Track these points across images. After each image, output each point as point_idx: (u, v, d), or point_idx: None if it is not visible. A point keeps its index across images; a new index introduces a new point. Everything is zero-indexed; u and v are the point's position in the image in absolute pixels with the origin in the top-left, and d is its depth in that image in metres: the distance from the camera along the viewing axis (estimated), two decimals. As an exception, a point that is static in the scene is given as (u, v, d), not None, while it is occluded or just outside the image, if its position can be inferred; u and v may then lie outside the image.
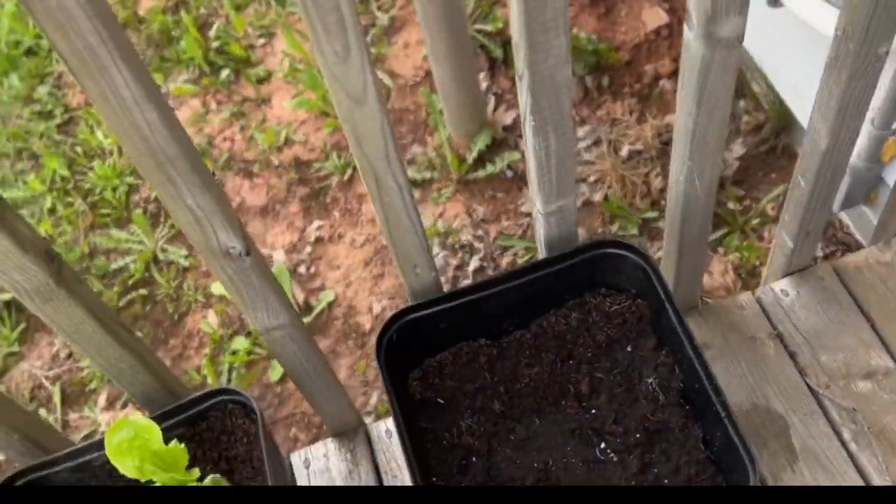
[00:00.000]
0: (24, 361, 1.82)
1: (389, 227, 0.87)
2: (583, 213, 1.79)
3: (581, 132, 1.87)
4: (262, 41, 2.11)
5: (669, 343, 0.99)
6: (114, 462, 0.85)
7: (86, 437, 1.70)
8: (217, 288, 1.78)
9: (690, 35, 0.80)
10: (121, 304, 1.83)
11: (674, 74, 1.91)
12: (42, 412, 1.74)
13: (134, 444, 0.85)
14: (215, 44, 2.13)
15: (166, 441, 0.86)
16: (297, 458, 1.18)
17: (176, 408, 0.95)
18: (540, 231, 0.99)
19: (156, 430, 0.84)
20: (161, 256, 1.86)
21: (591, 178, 1.83)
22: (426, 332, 1.01)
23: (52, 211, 1.99)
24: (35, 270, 0.74)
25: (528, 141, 0.85)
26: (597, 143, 1.85)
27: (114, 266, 1.87)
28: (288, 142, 1.96)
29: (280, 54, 2.06)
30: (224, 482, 0.92)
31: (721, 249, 1.71)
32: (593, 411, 1.01)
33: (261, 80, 2.06)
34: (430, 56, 1.68)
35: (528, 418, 1.01)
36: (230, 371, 1.69)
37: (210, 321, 1.75)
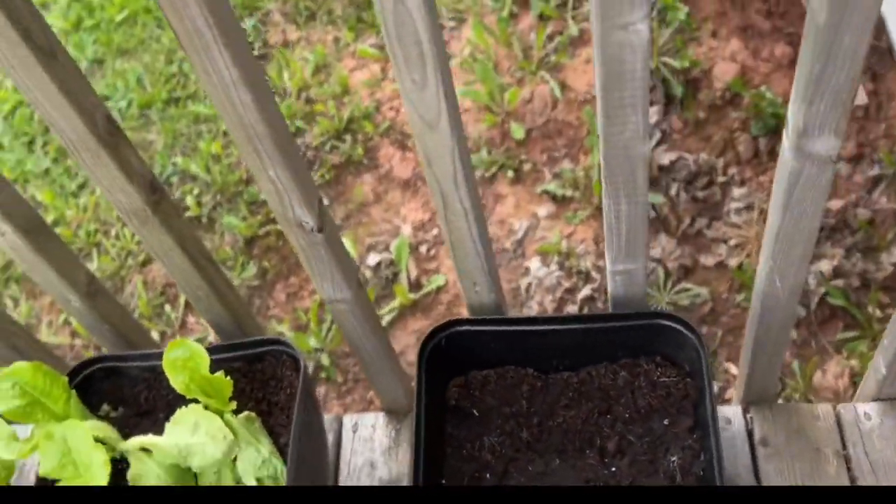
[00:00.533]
0: (165, 259, 2.06)
1: (453, 245, 0.95)
2: (714, 273, 1.78)
3: (736, 192, 1.84)
4: (451, 24, 2.22)
5: (702, 429, 1.00)
6: (168, 375, 1.00)
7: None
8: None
9: (785, 143, 0.81)
10: (259, 232, 2.03)
11: (853, 160, 1.83)
12: (167, 308, 1.98)
13: (187, 363, 0.99)
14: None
15: (216, 369, 1.00)
16: (348, 420, 1.30)
17: (239, 343, 1.09)
18: (608, 286, 1.03)
19: (205, 358, 0.97)
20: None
21: (732, 242, 1.80)
22: (476, 347, 1.08)
23: (226, 133, 2.22)
24: (136, 196, 0.88)
25: (603, 200, 0.89)
26: (748, 207, 1.82)
27: (262, 197, 2.07)
28: (446, 126, 2.07)
29: (464, 41, 2.17)
30: (256, 420, 1.04)
31: (845, 352, 1.65)
32: (612, 469, 1.04)
33: (439, 61, 2.18)
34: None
35: (550, 456, 1.06)
36: (332, 323, 1.84)
37: (327, 272, 1.90)
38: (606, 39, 0.70)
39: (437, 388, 1.07)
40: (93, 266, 2.07)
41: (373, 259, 1.91)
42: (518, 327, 1.06)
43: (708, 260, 1.77)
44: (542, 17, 2.15)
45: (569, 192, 1.88)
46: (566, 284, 1.76)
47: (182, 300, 1.98)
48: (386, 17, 0.69)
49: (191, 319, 1.96)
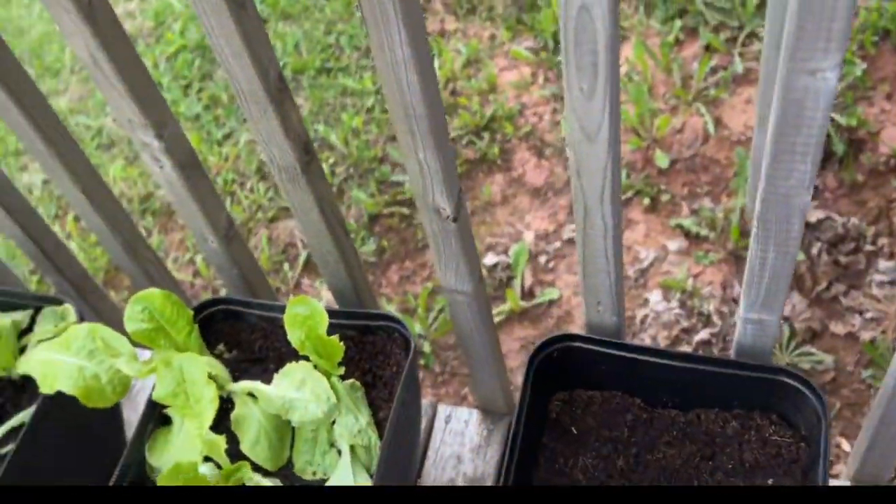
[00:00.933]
0: (291, 220, 2.15)
1: (584, 259, 0.96)
2: (843, 342, 1.72)
3: (882, 265, 1.77)
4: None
5: (806, 500, 0.97)
6: (287, 328, 1.05)
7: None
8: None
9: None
10: (383, 211, 2.09)
11: None
12: (285, 266, 2.06)
13: (306, 321, 1.04)
14: (572, 26, 2.27)
15: (331, 333, 1.04)
16: (442, 410, 1.33)
17: (356, 313, 1.13)
18: (736, 332, 1.01)
19: (324, 318, 1.02)
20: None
21: (869, 314, 1.73)
22: (587, 365, 1.09)
23: (370, 110, 2.29)
24: (289, 154, 0.93)
25: (750, 244, 0.88)
26: (893, 283, 1.74)
27: (392, 178, 2.12)
28: (589, 141, 2.07)
29: (623, 59, 2.16)
30: (360, 390, 1.08)
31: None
32: (702, 520, 1.02)
33: (594, 75, 2.18)
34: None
35: (639, 491, 1.06)
36: (440, 312, 1.87)
37: (443, 263, 1.94)
38: (791, 82, 0.70)
39: (540, 398, 1.08)
40: (223, 214, 2.18)
41: (490, 259, 1.93)
42: (634, 355, 1.05)
43: (838, 328, 1.71)
44: (709, 49, 2.12)
45: (704, 231, 1.85)
46: (684, 324, 1.73)
47: (301, 261, 2.06)
48: (567, 22, 0.71)
49: (305, 281, 2.04)
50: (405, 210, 2.06)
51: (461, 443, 1.28)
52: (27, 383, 1.17)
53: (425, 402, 1.33)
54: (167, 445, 1.07)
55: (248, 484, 1.02)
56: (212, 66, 2.58)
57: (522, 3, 2.41)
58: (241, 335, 1.17)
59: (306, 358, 1.06)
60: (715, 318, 1.75)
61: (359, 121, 2.25)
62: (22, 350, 1.18)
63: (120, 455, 1.27)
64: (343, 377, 1.07)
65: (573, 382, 1.11)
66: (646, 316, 1.76)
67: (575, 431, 1.10)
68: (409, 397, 1.06)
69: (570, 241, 1.94)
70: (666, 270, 1.83)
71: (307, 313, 1.03)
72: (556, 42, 2.27)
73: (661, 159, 1.98)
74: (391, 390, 1.08)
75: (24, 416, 1.15)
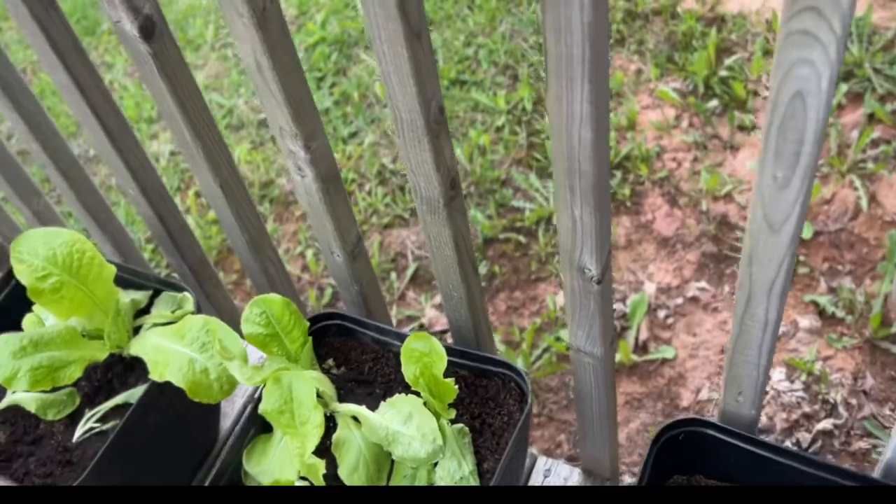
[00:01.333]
0: (405, 229, 2.14)
1: (734, 347, 0.90)
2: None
3: None
4: (766, 94, 2.12)
5: None
6: (402, 360, 1.03)
7: (407, 318, 1.98)
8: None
9: None
10: (499, 236, 2.06)
11: None
12: (393, 276, 2.06)
13: (422, 357, 1.01)
14: (723, 72, 2.19)
15: (448, 374, 1.02)
16: (542, 463, 1.29)
17: (473, 354, 1.10)
18: (888, 448, 0.94)
19: (442, 359, 0.99)
20: (554, 220, 2.04)
21: None
22: (714, 454, 1.03)
23: (500, 129, 2.26)
24: (436, 187, 0.91)
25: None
26: None
27: (513, 203, 2.09)
28: (727, 197, 1.99)
29: (779, 116, 2.07)
30: (467, 436, 1.05)
31: None
32: None
33: (742, 128, 2.09)
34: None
35: None
36: (544, 351, 1.83)
37: (558, 300, 1.90)
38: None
39: (658, 477, 1.02)
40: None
41: (605, 304, 1.88)
42: (771, 455, 0.99)
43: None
44: (872, 118, 2.01)
45: (840, 313, 1.75)
46: (806, 409, 1.64)
47: (409, 273, 2.05)
48: (776, 107, 0.66)
49: (410, 294, 2.03)
50: (522, 238, 2.03)
51: (555, 501, 1.24)
52: (137, 363, 1.19)
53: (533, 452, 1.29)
54: (265, 455, 1.06)
55: (339, 512, 1.01)
56: (347, 61, 2.61)
57: (676, 41, 2.34)
58: (352, 353, 1.17)
59: (416, 393, 1.04)
60: (841, 409, 1.65)
61: (486, 139, 2.23)
62: (136, 330, 1.20)
63: (212, 446, 1.29)
64: (452, 420, 1.04)
65: (694, 467, 1.05)
66: (765, 393, 1.68)
67: (685, 519, 1.04)
68: (518, 453, 1.02)
69: (694, 300, 1.87)
70: (793, 348, 1.74)
71: (425, 350, 1.00)
72: (707, 87, 2.20)
73: (806, 229, 1.88)
74: (499, 441, 1.05)
75: (128, 395, 1.17)
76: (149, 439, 1.14)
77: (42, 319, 1.18)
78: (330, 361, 1.17)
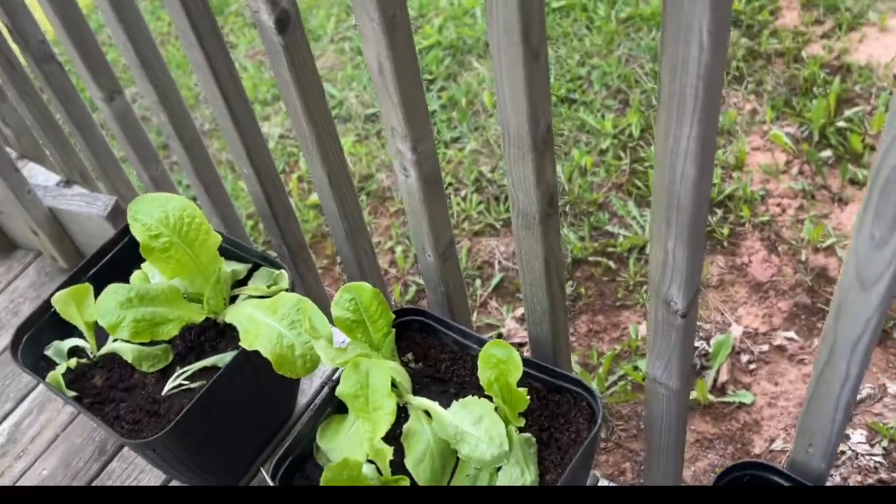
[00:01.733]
0: (494, 238, 2.19)
1: (811, 398, 0.92)
2: None
3: None
4: (888, 150, 2.09)
5: None
6: (480, 365, 1.08)
7: (486, 326, 2.03)
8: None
9: None
10: (589, 258, 2.09)
11: None
12: (477, 282, 2.11)
13: (499, 364, 1.06)
14: (841, 123, 2.17)
15: (521, 385, 1.06)
16: (602, 485, 1.32)
17: (550, 369, 1.14)
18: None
19: (518, 368, 1.04)
20: (647, 250, 2.05)
21: None
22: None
23: (603, 153, 2.29)
24: (534, 204, 0.95)
25: None
26: None
27: (607, 227, 2.12)
28: (828, 249, 1.97)
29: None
30: (533, 446, 1.09)
31: None
32: None
33: (853, 182, 2.07)
34: None
35: None
36: (620, 378, 1.85)
37: (640, 330, 1.91)
38: None
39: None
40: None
41: (686, 341, 1.89)
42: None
43: None
44: None
45: (932, 383, 1.71)
46: (883, 475, 1.61)
47: (493, 282, 2.10)
48: (881, 170, 0.68)
49: (493, 303, 2.08)
50: (612, 264, 2.05)
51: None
52: (229, 330, 1.27)
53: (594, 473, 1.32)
54: (337, 434, 1.13)
55: (399, 500, 1.06)
56: (459, 67, 2.68)
57: (797, 85, 2.33)
58: (432, 351, 1.22)
59: (489, 397, 1.08)
60: (916, 481, 1.62)
61: (589, 160, 2.26)
62: (233, 299, 1.28)
63: (287, 419, 1.36)
64: (521, 429, 1.09)
65: (752, 512, 1.06)
66: (842, 452, 1.66)
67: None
68: (581, 471, 1.06)
69: (780, 349, 1.86)
70: (878, 412, 1.71)
71: (503, 357, 1.05)
72: (823, 136, 2.18)
73: None
74: (564, 456, 1.09)
75: (218, 359, 1.25)
76: (231, 402, 1.22)
77: (148, 277, 1.27)
78: (409, 355, 1.22)
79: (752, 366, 1.85)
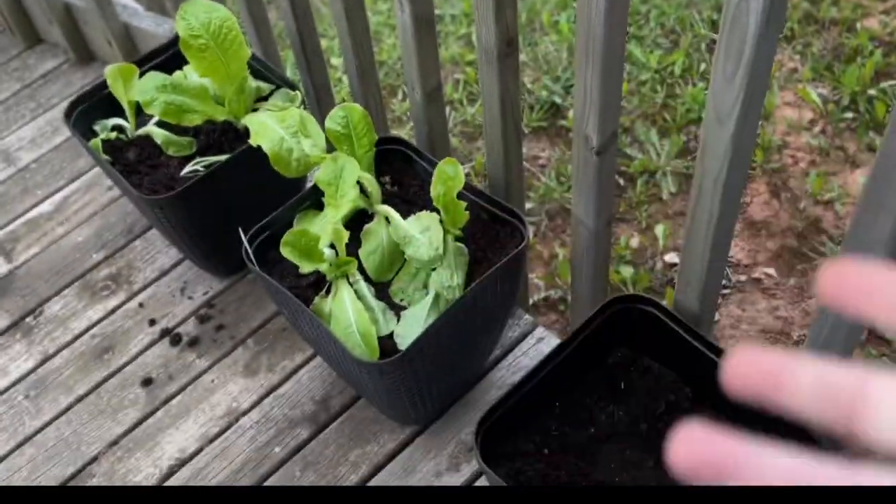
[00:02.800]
0: (522, 145, 2.38)
1: (686, 238, 1.10)
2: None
3: None
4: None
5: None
6: (434, 179, 1.28)
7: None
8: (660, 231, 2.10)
9: None
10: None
11: None
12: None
13: (448, 180, 1.27)
14: (872, 91, 2.27)
15: (472, 214, 1.26)
16: (539, 331, 1.51)
17: (495, 201, 1.34)
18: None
19: (460, 183, 1.25)
20: (657, 175, 2.22)
21: None
22: (658, 338, 1.23)
23: (642, 84, 2.44)
24: (493, 38, 1.15)
25: None
26: None
27: (626, 150, 2.28)
28: (828, 203, 2.10)
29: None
30: (465, 256, 1.30)
31: None
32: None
33: (871, 149, 2.18)
34: None
35: (650, 456, 1.20)
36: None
37: (632, 243, 2.09)
38: (893, 140, 0.80)
39: (606, 341, 1.24)
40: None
41: (670, 258, 2.06)
42: (700, 346, 1.18)
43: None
44: None
45: None
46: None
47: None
48: (727, 10, 0.86)
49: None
50: (622, 181, 2.22)
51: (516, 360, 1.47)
52: (246, 136, 1.51)
53: (528, 318, 1.53)
54: (310, 222, 1.36)
55: (350, 280, 1.29)
56: (532, -11, 2.85)
57: (842, 53, 2.43)
58: (405, 178, 1.43)
59: (439, 212, 1.30)
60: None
61: (625, 88, 2.42)
62: (254, 112, 1.52)
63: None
64: (460, 240, 1.30)
65: (640, 346, 1.25)
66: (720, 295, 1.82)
67: (622, 386, 1.25)
68: (505, 283, 1.26)
69: (757, 281, 2.01)
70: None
71: (452, 174, 1.26)
72: (853, 102, 2.28)
73: None
74: (489, 269, 1.29)
75: (231, 156, 1.49)
76: (233, 187, 1.46)
77: (186, 76, 1.52)
78: (387, 178, 1.44)
79: (726, 291, 2.00)
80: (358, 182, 1.29)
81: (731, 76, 0.91)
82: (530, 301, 2.00)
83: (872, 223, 0.89)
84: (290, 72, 2.46)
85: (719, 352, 1.17)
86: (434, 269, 1.29)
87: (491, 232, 1.34)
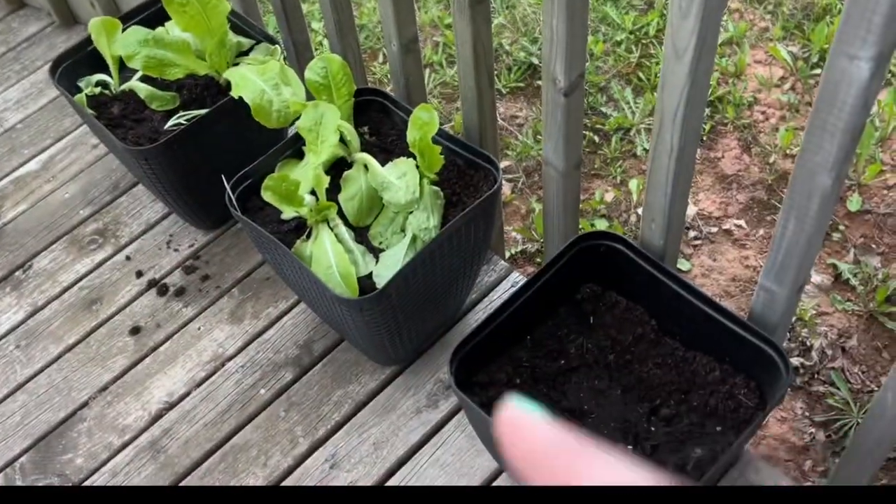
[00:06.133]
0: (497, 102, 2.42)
1: (649, 176, 1.15)
2: None
3: None
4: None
5: (737, 442, 1.13)
6: (409, 125, 1.33)
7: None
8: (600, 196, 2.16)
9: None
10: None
11: None
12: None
13: (423, 126, 1.31)
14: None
15: (447, 160, 1.31)
16: (514, 277, 1.57)
17: (469, 146, 1.39)
18: (753, 297, 1.17)
19: (435, 127, 1.29)
20: (632, 132, 2.27)
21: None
22: (624, 272, 1.28)
23: (618, 44, 2.49)
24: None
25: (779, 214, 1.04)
26: None
27: (601, 108, 2.33)
28: (794, 157, 2.16)
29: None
30: (440, 199, 1.35)
31: None
32: (650, 428, 1.21)
33: (832, 97, 2.24)
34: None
35: (615, 385, 1.26)
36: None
37: (606, 197, 2.15)
38: (832, 63, 0.86)
39: (575, 276, 1.29)
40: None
41: (644, 211, 2.12)
42: (667, 280, 1.24)
43: None
44: (964, 123, 2.11)
45: (855, 282, 1.91)
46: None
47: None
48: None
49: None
50: (596, 138, 2.28)
51: (492, 306, 1.53)
52: (228, 90, 1.55)
53: (504, 264, 1.58)
54: (291, 169, 1.40)
55: (330, 224, 1.34)
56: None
57: (811, 11, 2.48)
58: (383, 127, 1.48)
59: (415, 157, 1.34)
60: (814, 354, 1.83)
61: (600, 47, 2.47)
62: (235, 65, 1.56)
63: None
64: (435, 184, 1.35)
65: (608, 283, 1.31)
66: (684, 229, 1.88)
67: (591, 321, 1.31)
68: (479, 224, 1.31)
69: (727, 232, 2.07)
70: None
71: (426, 119, 1.31)
72: (822, 58, 2.34)
73: (854, 203, 2.04)
74: (464, 210, 1.35)
75: (213, 110, 1.53)
76: (217, 135, 1.50)
77: (168, 32, 1.55)
78: (365, 128, 1.49)
79: (697, 242, 2.07)
80: (337, 131, 1.33)
81: (686, 11, 0.96)
82: (507, 254, 2.06)
83: (818, 148, 0.95)
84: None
85: (684, 284, 1.23)
86: (411, 213, 1.34)
87: (465, 177, 1.39)
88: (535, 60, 2.48)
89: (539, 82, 2.44)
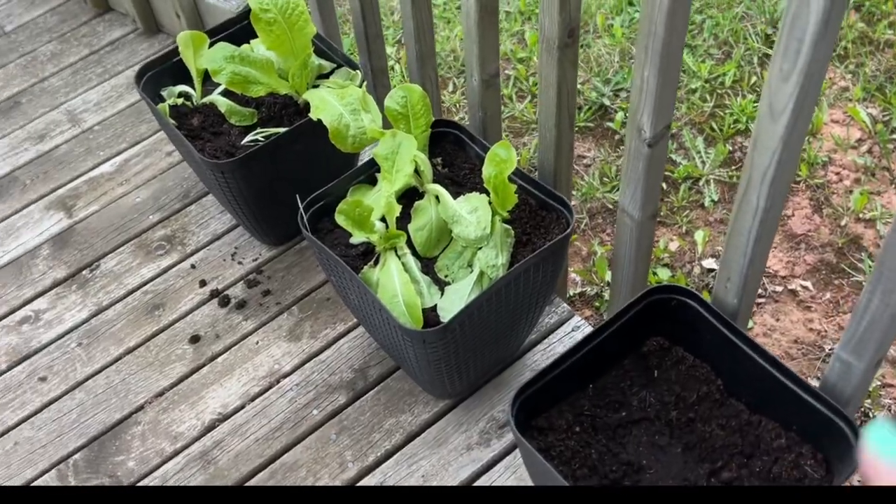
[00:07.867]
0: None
1: (730, 232, 1.13)
2: None
3: None
4: (954, 143, 2.20)
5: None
6: (486, 161, 1.33)
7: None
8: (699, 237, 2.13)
9: None
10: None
11: None
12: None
13: (500, 163, 1.31)
14: (920, 110, 2.28)
15: (520, 198, 1.31)
16: (575, 320, 1.55)
17: (544, 188, 1.38)
18: (828, 365, 1.14)
19: (511, 164, 1.29)
20: (701, 183, 2.25)
21: None
22: (694, 328, 1.26)
23: (692, 92, 2.47)
24: (556, 28, 1.19)
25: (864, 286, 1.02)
26: None
27: (671, 156, 2.31)
28: (869, 222, 2.11)
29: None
30: (511, 237, 1.34)
31: None
32: (705, 498, 1.18)
33: (911, 163, 2.19)
34: None
35: (676, 442, 1.23)
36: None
37: (671, 244, 2.12)
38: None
39: (643, 330, 1.27)
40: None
41: (708, 263, 2.08)
42: (737, 340, 1.21)
43: None
44: None
45: None
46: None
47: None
48: (788, 9, 0.89)
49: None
50: (665, 186, 2.25)
51: (554, 354, 1.51)
52: (306, 111, 1.57)
53: (565, 307, 1.57)
54: (364, 195, 1.41)
55: (398, 253, 1.34)
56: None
57: (894, 75, 2.44)
58: (457, 160, 1.48)
59: (488, 193, 1.34)
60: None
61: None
62: (315, 87, 1.58)
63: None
64: (507, 222, 1.34)
65: (675, 337, 1.29)
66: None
67: (656, 374, 1.29)
68: (547, 267, 1.30)
69: (793, 293, 2.03)
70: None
71: (504, 157, 1.30)
72: (901, 121, 2.30)
73: None
74: (534, 252, 1.34)
75: (290, 129, 1.55)
76: (291, 155, 1.52)
77: (253, 49, 1.58)
78: (439, 160, 1.49)
79: (762, 300, 2.03)
80: (413, 161, 1.33)
81: (787, 74, 0.94)
82: (567, 294, 2.04)
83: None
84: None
85: (755, 346, 1.21)
86: (480, 248, 1.33)
87: (537, 217, 1.39)
88: (607, 102, 2.47)
89: (609, 123, 2.43)
